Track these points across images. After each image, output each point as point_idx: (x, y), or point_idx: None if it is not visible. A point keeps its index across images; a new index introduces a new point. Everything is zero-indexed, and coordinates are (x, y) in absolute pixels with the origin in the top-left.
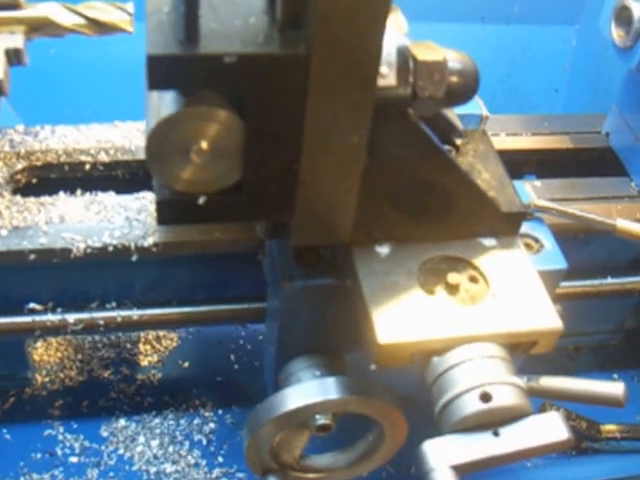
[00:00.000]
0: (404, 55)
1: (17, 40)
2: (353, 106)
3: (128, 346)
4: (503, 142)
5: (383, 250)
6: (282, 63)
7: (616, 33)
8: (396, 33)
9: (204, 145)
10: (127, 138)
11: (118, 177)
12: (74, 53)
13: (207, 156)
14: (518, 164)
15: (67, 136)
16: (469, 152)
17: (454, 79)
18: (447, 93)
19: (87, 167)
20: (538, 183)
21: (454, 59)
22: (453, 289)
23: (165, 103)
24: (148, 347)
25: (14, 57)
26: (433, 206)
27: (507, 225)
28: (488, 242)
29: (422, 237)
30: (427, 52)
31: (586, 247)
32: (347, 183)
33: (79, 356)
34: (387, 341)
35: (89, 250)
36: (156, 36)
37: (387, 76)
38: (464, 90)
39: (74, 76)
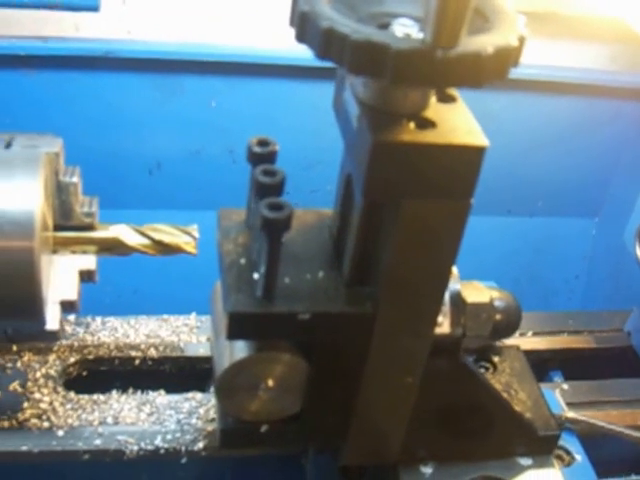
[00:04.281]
0: (456, 300)
1: (90, 261)
2: (410, 353)
3: None
4: (531, 342)
5: (427, 470)
6: (350, 319)
7: None
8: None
9: (271, 383)
10: (175, 333)
11: (165, 371)
12: None
13: (273, 392)
14: (544, 361)
15: (117, 329)
16: (505, 370)
17: (498, 317)
18: (492, 330)
19: (137, 362)
20: (565, 386)
21: (498, 298)
22: None
23: (237, 343)
24: None
25: (86, 276)
26: (475, 429)
27: (543, 446)
28: (524, 461)
29: (463, 457)
30: (474, 294)
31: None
32: (398, 415)
33: None
34: None
35: (141, 452)
36: (236, 294)
37: (442, 324)
38: (508, 326)
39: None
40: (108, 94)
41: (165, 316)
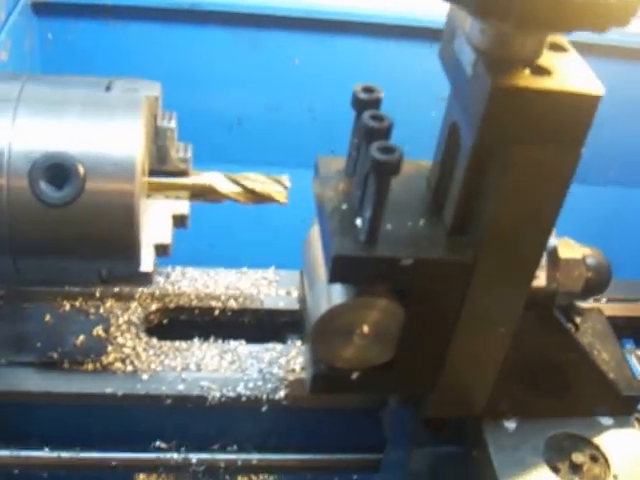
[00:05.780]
0: (552, 255)
1: (184, 206)
2: (506, 304)
3: (227, 478)
4: (604, 308)
5: (510, 425)
6: (451, 267)
7: None
8: None
9: (366, 329)
10: (254, 286)
11: (244, 323)
12: None
13: (367, 338)
14: (618, 328)
15: (197, 280)
16: (587, 330)
17: (590, 274)
18: (583, 287)
19: (216, 312)
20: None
21: (590, 255)
22: (577, 468)
23: (334, 289)
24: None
25: (179, 221)
26: (559, 386)
27: (624, 406)
28: (606, 421)
29: (545, 413)
30: (567, 250)
31: None
32: (489, 367)
33: None
34: None
35: (223, 399)
36: (340, 238)
37: (538, 277)
38: (598, 284)
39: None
40: (191, 48)
41: (244, 269)
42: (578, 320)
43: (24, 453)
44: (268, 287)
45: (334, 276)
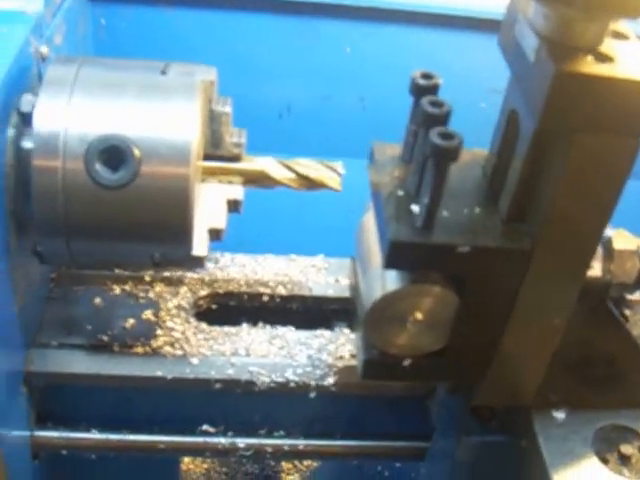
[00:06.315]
0: (607, 246)
1: (238, 191)
2: (562, 294)
3: (272, 463)
4: None
5: (559, 415)
6: (508, 255)
7: None
8: None
9: (420, 316)
10: (303, 273)
11: (292, 309)
12: None
13: (421, 325)
14: None
15: (246, 266)
16: (637, 323)
17: None
18: (636, 278)
19: (265, 298)
20: None
21: None
22: (626, 460)
23: (389, 276)
24: (290, 465)
25: (233, 206)
26: (608, 376)
27: None
28: None
29: (594, 404)
30: (622, 241)
31: None
32: (541, 357)
33: (224, 469)
34: None
35: (272, 384)
36: (396, 224)
37: (594, 267)
38: None
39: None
40: (243, 35)
41: (293, 256)
42: (628, 313)
43: (73, 435)
44: (317, 274)
45: (389, 262)
